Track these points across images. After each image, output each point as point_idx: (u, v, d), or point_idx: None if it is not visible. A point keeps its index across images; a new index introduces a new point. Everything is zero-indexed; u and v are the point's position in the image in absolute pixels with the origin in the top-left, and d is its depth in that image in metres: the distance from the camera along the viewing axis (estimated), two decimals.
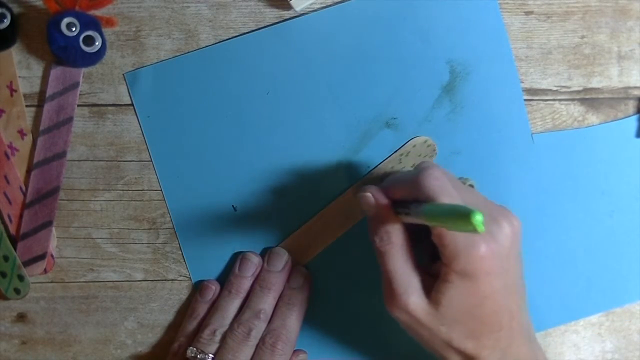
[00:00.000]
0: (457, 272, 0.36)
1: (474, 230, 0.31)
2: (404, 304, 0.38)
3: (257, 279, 0.46)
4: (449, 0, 0.46)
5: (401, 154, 0.46)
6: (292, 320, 0.45)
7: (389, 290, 0.39)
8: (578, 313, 0.49)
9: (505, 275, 0.38)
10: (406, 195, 0.39)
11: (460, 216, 0.31)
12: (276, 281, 0.46)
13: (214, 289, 0.47)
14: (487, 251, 0.36)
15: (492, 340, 0.38)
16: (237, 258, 0.47)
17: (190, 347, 0.44)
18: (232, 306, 0.46)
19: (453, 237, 0.36)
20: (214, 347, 0.44)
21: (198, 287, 0.47)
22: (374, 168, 0.46)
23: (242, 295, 0.46)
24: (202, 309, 0.46)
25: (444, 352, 0.39)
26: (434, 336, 0.38)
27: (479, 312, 0.38)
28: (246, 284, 0.46)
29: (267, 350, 0.44)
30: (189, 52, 0.46)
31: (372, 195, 0.40)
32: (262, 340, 0.44)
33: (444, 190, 0.37)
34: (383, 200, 0.40)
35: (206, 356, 0.44)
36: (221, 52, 0.46)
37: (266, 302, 0.45)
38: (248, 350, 0.44)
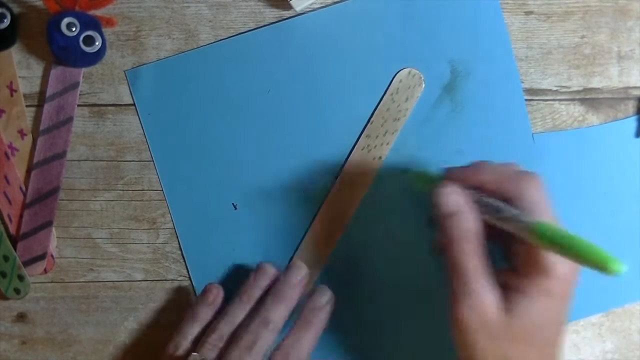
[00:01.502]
0: (540, 287, 0.36)
1: (606, 273, 0.29)
2: (480, 304, 0.36)
3: (271, 290, 0.45)
4: (451, 0, 0.46)
5: (391, 94, 0.46)
6: (306, 341, 0.43)
7: (463, 288, 0.37)
8: (578, 313, 0.48)
9: (569, 304, 0.37)
10: (493, 189, 0.37)
11: (594, 259, 0.30)
12: (289, 294, 0.44)
13: (215, 292, 0.45)
14: (570, 273, 0.36)
15: None
16: (256, 267, 0.46)
17: (194, 354, 0.43)
18: (241, 314, 0.44)
19: (546, 254, 0.35)
20: (216, 353, 0.43)
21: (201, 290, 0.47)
22: (371, 116, 0.46)
23: (253, 304, 0.45)
24: (203, 313, 0.45)
25: None
26: (491, 349, 0.36)
27: (541, 336, 0.36)
28: (259, 293, 0.45)
29: None
30: (189, 50, 0.46)
31: (455, 197, 0.38)
32: (271, 357, 0.42)
33: (546, 208, 0.36)
34: (465, 207, 0.38)
35: None
36: (222, 50, 0.46)
37: (276, 313, 0.43)
38: None
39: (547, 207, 0.36)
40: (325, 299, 0.45)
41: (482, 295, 0.36)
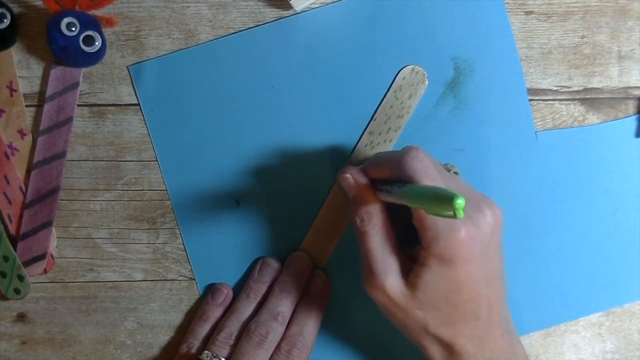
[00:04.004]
0: (435, 256, 0.36)
1: (453, 215, 0.30)
2: (381, 284, 0.38)
3: (277, 281, 0.46)
4: None
5: (395, 91, 0.46)
6: (310, 327, 0.44)
7: (368, 270, 0.39)
8: (579, 311, 0.48)
9: (484, 264, 0.38)
10: (388, 175, 0.39)
11: (442, 199, 0.31)
12: (296, 285, 0.45)
13: (225, 292, 0.46)
14: (467, 237, 0.36)
15: (469, 329, 0.38)
16: (256, 263, 0.47)
17: (205, 352, 0.44)
18: (249, 310, 0.45)
19: (434, 221, 0.36)
20: (228, 350, 0.44)
21: (210, 290, 0.47)
22: (374, 113, 0.46)
23: (260, 299, 0.46)
24: (212, 312, 0.46)
25: (421, 339, 0.39)
26: (410, 320, 0.38)
27: (456, 299, 0.37)
28: (265, 289, 0.46)
29: (282, 357, 0.43)
30: (192, 46, 0.46)
31: (351, 177, 0.40)
32: (278, 346, 0.44)
33: (427, 173, 0.37)
34: (363, 180, 0.40)
35: None
36: (226, 46, 0.46)
37: (285, 305, 0.45)
38: (263, 354, 0.43)
39: (431, 173, 0.37)
40: (321, 283, 0.46)
41: (382, 277, 0.38)
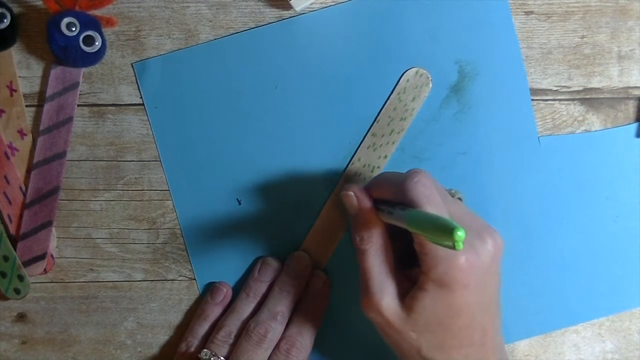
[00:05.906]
0: (434, 280, 0.36)
1: (452, 246, 0.30)
2: (377, 304, 0.38)
3: (277, 281, 0.46)
4: (459, 0, 0.46)
5: (398, 93, 0.46)
6: (309, 327, 0.45)
7: (365, 289, 0.39)
8: (580, 317, 0.48)
9: (481, 291, 0.38)
10: (391, 197, 0.39)
11: (442, 229, 0.31)
12: (296, 284, 0.45)
13: (224, 290, 0.46)
14: (466, 264, 0.36)
15: (461, 355, 0.38)
16: (256, 262, 0.47)
17: (204, 350, 0.44)
18: (248, 309, 0.45)
19: (434, 246, 0.36)
20: (227, 349, 0.44)
21: (209, 289, 0.47)
22: (377, 115, 0.46)
23: (260, 299, 0.46)
24: (212, 311, 0.46)
25: None
26: (404, 341, 0.38)
27: (451, 324, 0.37)
28: (265, 288, 0.46)
29: (281, 356, 0.43)
30: (196, 44, 0.46)
31: (354, 195, 0.40)
32: (277, 345, 0.44)
33: (430, 199, 0.37)
34: (366, 202, 0.40)
35: (219, 359, 0.43)
36: (231, 45, 0.46)
37: (284, 305, 0.45)
38: (262, 353, 0.43)
39: (434, 200, 0.37)
40: (321, 283, 0.46)
41: (378, 296, 0.38)
